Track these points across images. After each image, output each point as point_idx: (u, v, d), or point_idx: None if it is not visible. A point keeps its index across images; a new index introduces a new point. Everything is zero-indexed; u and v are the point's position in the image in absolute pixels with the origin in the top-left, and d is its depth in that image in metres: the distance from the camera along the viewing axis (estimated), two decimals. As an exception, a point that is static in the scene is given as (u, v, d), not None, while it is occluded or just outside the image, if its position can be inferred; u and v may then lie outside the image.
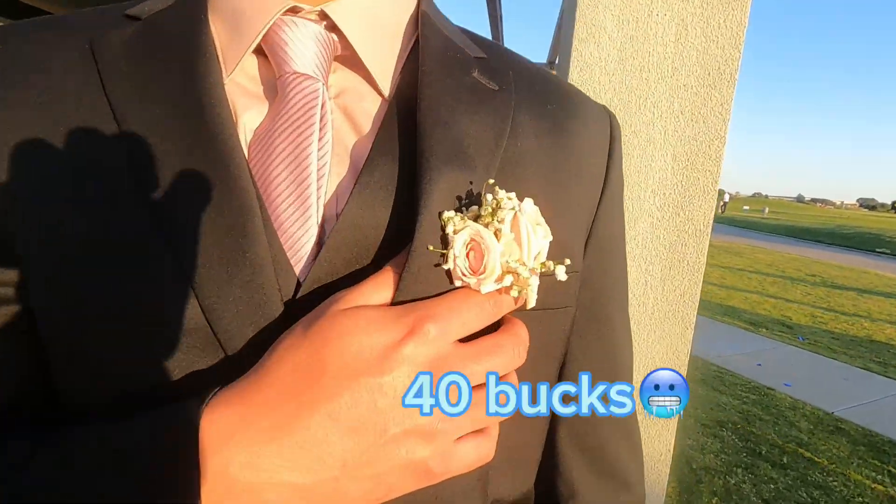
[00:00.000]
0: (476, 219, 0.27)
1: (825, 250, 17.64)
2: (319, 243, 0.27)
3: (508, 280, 0.26)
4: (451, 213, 0.27)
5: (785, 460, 2.74)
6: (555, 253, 0.28)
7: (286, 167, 0.27)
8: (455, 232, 0.26)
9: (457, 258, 0.26)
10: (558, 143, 0.34)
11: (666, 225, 1.13)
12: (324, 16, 0.29)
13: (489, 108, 0.31)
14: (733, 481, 2.48)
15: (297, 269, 0.27)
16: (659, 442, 1.22)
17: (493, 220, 0.26)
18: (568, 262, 0.27)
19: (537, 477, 0.38)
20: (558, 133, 0.34)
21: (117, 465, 0.23)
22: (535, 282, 0.26)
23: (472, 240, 0.26)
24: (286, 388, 0.23)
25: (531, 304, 0.27)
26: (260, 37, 0.29)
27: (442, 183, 0.27)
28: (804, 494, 2.43)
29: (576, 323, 0.35)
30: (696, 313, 1.16)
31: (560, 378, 0.35)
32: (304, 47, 0.29)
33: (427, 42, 0.31)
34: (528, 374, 0.28)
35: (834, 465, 2.75)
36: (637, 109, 1.07)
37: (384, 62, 0.31)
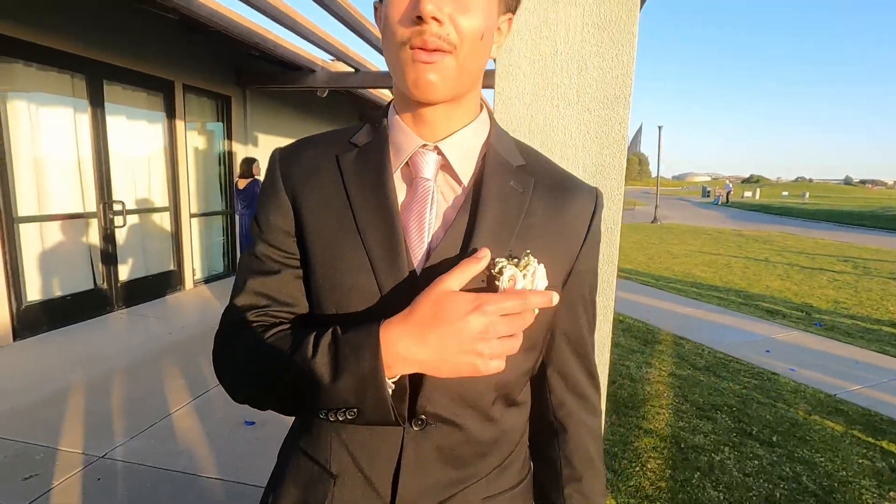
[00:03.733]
0: (516, 265, 0.53)
1: (865, 234, 16.80)
2: (426, 258, 0.57)
3: None
4: (504, 261, 0.53)
5: (775, 439, 2.86)
6: (549, 280, 0.54)
7: (415, 221, 0.58)
8: (504, 268, 0.52)
9: (503, 281, 0.52)
10: (557, 217, 0.61)
11: (583, 225, 1.35)
12: (437, 148, 0.59)
13: (515, 202, 0.59)
14: (718, 458, 2.62)
15: (417, 269, 0.56)
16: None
17: (523, 269, 0.52)
18: (556, 296, 0.52)
19: (533, 397, 0.67)
20: (558, 210, 0.61)
21: (346, 348, 0.51)
22: None
23: (512, 275, 0.52)
24: (423, 321, 0.49)
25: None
26: (408, 158, 0.59)
27: (484, 237, 0.56)
28: (787, 469, 2.55)
29: (559, 314, 0.63)
30: (612, 315, 1.37)
31: (551, 337, 0.66)
32: (426, 164, 0.59)
33: (488, 160, 0.60)
34: (535, 332, 0.59)
35: (824, 444, 2.85)
36: (551, 132, 1.30)
37: (465, 169, 0.60)
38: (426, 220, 0.57)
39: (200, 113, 5.63)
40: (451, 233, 0.57)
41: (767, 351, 4.47)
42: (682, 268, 8.98)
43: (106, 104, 4.33)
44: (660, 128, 18.74)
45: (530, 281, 0.52)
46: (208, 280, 5.80)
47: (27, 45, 3.62)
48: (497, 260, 0.53)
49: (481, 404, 0.59)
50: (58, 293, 4.01)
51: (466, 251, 0.55)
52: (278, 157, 0.64)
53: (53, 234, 4.00)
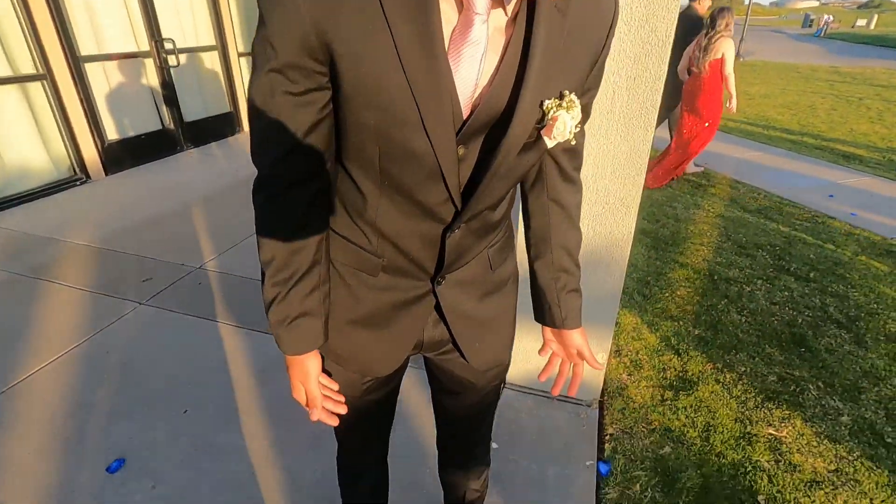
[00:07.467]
0: (559, 106, 0.60)
1: None
2: (480, 93, 0.58)
3: (570, 134, 0.62)
4: (550, 101, 0.59)
5: (811, 275, 2.92)
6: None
7: (469, 57, 0.56)
8: (551, 109, 0.60)
9: (551, 122, 0.60)
10: (590, 32, 0.63)
11: (632, 38, 1.28)
12: None
13: (559, 27, 0.58)
14: (749, 289, 2.75)
15: (463, 103, 0.57)
16: (622, 226, 1.53)
17: (567, 108, 0.60)
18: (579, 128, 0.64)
19: (534, 184, 0.81)
20: (591, 27, 0.63)
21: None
22: (576, 132, 0.63)
23: (559, 115, 0.60)
24: None
25: (573, 142, 0.64)
26: None
27: (537, 69, 0.57)
28: (816, 300, 2.66)
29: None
30: (655, 120, 1.36)
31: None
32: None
33: None
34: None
35: (863, 281, 2.89)
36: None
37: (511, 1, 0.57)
38: (479, 55, 0.56)
39: (232, -65, 5.20)
40: (503, 66, 0.58)
41: (831, 195, 4.29)
42: (755, 110, 8.18)
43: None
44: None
45: (574, 114, 0.61)
46: (264, 123, 5.95)
47: None
48: (547, 104, 0.60)
49: (501, 198, 0.72)
50: (131, 133, 4.32)
51: (523, 82, 0.57)
52: None
53: (115, 74, 4.16)
